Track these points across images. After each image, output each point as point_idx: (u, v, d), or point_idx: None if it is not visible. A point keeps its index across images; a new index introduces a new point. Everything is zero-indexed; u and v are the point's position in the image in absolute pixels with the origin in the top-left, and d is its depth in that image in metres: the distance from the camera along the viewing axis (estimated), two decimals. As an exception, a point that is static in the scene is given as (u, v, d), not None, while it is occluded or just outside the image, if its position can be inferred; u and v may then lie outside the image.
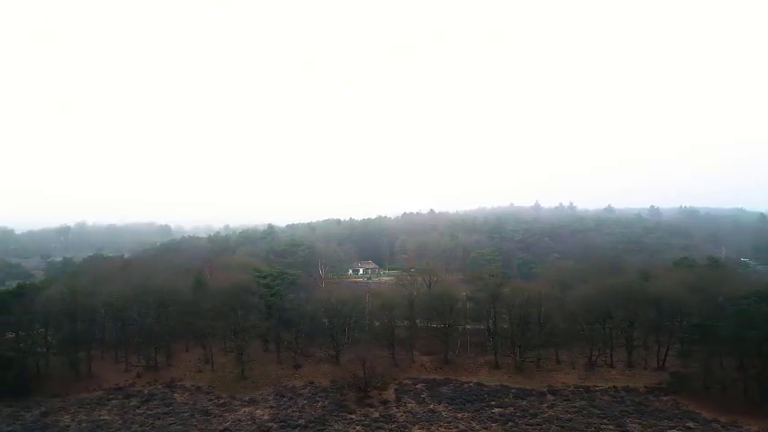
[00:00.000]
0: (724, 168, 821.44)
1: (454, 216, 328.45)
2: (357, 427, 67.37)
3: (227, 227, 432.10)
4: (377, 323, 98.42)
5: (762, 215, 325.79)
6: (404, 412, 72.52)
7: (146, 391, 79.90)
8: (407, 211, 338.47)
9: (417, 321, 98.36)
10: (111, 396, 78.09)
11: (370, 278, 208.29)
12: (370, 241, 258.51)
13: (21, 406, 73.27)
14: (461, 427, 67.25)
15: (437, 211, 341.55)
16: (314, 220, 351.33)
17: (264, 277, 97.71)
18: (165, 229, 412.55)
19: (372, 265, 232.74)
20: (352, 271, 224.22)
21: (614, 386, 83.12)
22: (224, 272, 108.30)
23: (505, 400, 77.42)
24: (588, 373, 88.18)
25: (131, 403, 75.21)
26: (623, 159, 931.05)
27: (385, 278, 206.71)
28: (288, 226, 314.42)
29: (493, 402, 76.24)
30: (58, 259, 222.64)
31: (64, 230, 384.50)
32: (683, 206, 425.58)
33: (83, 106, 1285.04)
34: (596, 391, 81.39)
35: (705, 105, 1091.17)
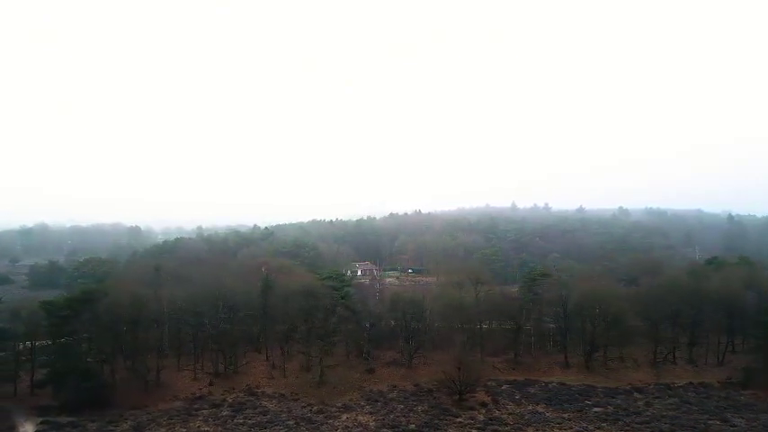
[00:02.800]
0: (724, 168, 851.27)
1: (442, 216, 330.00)
2: (473, 431, 66.01)
3: (199, 228, 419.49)
4: (437, 324, 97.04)
5: (730, 215, 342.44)
6: (508, 414, 71.72)
7: (229, 400, 75.91)
8: (393, 212, 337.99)
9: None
10: (196, 406, 73.68)
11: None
12: (363, 242, 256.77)
13: (105, 420, 67.84)
14: (575, 428, 66.89)
15: (424, 212, 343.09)
16: (295, 221, 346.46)
17: (326, 278, 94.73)
18: (135, 231, 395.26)
19: (370, 266, 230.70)
20: (350, 272, 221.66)
21: (690, 382, 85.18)
22: (280, 274, 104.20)
23: (598, 399, 77.78)
24: (656, 370, 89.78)
25: (223, 413, 71.12)
26: (601, 162, 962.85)
27: (387, 279, 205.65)
28: (273, 227, 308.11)
29: (588, 402, 76.52)
30: (43, 262, 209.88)
31: (26, 232, 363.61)
32: (649, 207, 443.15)
33: (80, 105, 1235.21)
34: (677, 387, 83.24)
35: (705, 106, 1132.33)
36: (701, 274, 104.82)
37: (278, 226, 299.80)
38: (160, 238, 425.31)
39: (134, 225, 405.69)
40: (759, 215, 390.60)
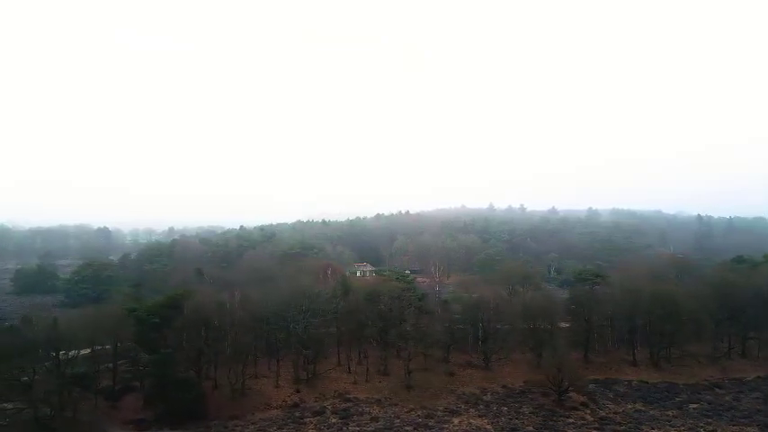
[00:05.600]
0: (677, 173, 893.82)
1: (428, 216, 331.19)
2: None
3: (171, 229, 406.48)
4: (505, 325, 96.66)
5: (699, 216, 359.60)
6: (614, 413, 72.23)
7: (329, 407, 73.12)
8: (379, 213, 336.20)
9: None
10: (297, 414, 70.50)
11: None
12: (357, 242, 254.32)
13: (211, 432, 64.35)
14: (687, 424, 68.00)
15: (405, 212, 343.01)
16: (277, 221, 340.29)
17: (396, 280, 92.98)
18: (104, 233, 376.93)
19: (369, 267, 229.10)
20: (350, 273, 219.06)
21: (758, 376, 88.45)
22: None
23: (686, 396, 79.57)
24: (720, 365, 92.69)
25: (332, 420, 68.38)
26: (568, 164, 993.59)
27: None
28: (257, 228, 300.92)
29: (678, 399, 78.11)
30: (30, 266, 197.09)
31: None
32: (615, 208, 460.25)
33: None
34: (749, 381, 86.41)
35: (695, 108, 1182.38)
36: (744, 272, 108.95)
37: (263, 227, 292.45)
38: (128, 240, 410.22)
39: (102, 226, 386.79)
40: (715, 216, 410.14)
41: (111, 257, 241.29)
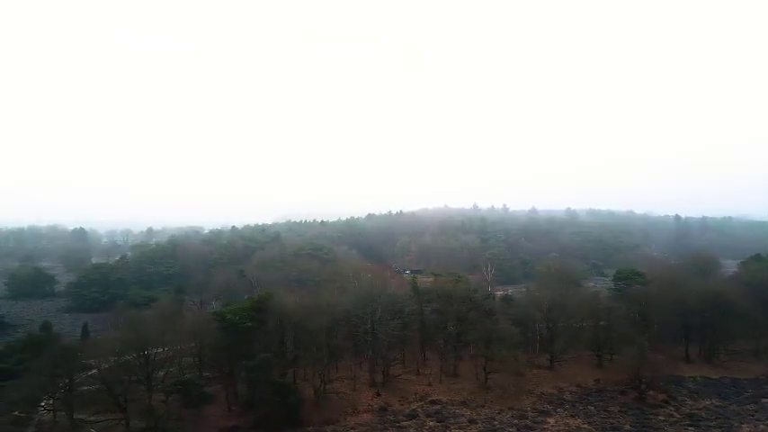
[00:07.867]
0: (645, 174, 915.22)
1: (422, 216, 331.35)
2: (690, 429, 66.95)
3: (150, 229, 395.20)
4: (551, 325, 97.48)
5: (678, 216, 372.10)
6: (696, 410, 73.43)
7: (418, 410, 71.98)
8: (371, 213, 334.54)
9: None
10: (390, 417, 68.95)
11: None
12: (356, 242, 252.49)
13: (316, 439, 62.46)
14: (772, 419, 69.89)
15: (395, 212, 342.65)
16: (262, 221, 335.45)
17: (458, 282, 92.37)
18: (80, 233, 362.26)
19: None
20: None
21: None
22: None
23: (754, 391, 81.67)
24: (764, 360, 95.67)
25: (429, 423, 67.31)
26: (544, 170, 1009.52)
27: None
28: (248, 226, 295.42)
29: (747, 394, 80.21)
30: (26, 269, 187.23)
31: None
32: (592, 209, 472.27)
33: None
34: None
35: (695, 108, 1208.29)
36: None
37: (263, 226, 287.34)
38: (105, 241, 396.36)
39: (78, 227, 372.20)
40: (684, 216, 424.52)
41: (94, 259, 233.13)
